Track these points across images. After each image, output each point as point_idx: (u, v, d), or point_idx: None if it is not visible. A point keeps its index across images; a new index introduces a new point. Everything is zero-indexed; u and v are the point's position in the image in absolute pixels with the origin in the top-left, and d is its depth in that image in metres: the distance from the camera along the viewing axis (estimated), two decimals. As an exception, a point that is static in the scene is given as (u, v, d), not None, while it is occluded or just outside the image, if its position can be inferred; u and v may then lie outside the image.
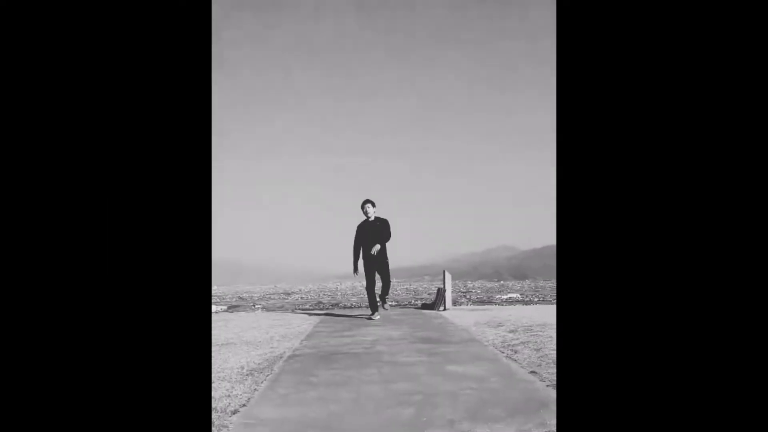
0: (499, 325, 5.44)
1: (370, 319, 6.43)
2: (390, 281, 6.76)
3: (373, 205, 6.50)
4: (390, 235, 6.48)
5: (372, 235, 6.41)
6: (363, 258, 6.49)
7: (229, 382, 3.03)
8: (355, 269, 6.53)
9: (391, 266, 6.58)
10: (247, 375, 3.22)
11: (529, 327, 5.10)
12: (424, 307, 8.32)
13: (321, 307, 12.40)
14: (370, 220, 6.48)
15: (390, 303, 9.10)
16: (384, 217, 6.52)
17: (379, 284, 6.74)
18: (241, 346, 4.46)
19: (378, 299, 6.82)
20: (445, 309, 7.57)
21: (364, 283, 6.65)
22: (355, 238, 6.54)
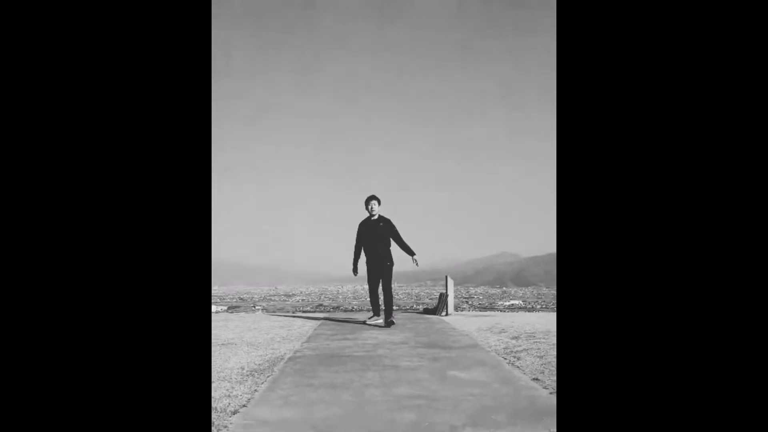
0: (502, 331, 5.41)
1: (367, 321, 6.30)
2: (392, 296, 6.12)
3: (379, 202, 6.12)
4: (400, 237, 6.11)
5: (375, 235, 6.03)
6: (366, 258, 6.15)
7: (229, 382, 3.01)
8: (355, 270, 6.21)
9: (393, 270, 6.15)
10: (247, 375, 3.20)
11: (531, 334, 5.07)
12: (426, 311, 8.29)
13: (322, 309, 12.39)
14: (373, 218, 6.10)
15: (394, 308, 8.81)
16: (387, 217, 6.13)
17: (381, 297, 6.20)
18: (241, 346, 4.44)
19: (382, 319, 6.15)
20: (447, 314, 7.53)
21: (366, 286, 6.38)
22: (357, 237, 6.16)
